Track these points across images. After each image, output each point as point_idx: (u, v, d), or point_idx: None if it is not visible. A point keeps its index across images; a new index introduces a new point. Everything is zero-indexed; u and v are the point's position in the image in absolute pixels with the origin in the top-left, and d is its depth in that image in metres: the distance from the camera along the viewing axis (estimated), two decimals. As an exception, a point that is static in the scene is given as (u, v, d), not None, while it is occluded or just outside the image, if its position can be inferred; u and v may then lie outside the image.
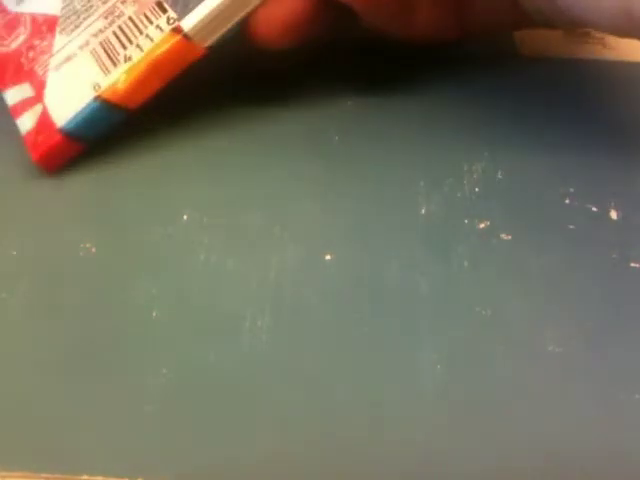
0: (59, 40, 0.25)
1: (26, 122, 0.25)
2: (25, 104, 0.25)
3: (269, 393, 0.20)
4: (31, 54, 0.26)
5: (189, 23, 0.23)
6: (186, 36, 0.23)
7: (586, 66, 0.29)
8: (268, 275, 0.22)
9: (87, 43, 0.25)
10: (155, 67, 0.24)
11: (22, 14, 0.27)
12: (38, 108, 0.24)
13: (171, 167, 0.25)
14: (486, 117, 0.27)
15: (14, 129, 0.25)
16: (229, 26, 0.24)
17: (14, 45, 0.26)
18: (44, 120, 0.24)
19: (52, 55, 0.25)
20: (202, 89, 0.27)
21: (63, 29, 0.26)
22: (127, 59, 0.24)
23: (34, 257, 0.23)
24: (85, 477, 0.18)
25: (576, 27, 0.29)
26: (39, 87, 0.25)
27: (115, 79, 0.24)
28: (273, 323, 0.21)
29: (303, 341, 0.21)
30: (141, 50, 0.24)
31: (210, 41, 0.24)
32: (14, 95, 0.25)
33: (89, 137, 0.24)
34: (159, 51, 0.24)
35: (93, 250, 0.23)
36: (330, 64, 0.28)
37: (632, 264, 0.23)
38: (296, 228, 0.23)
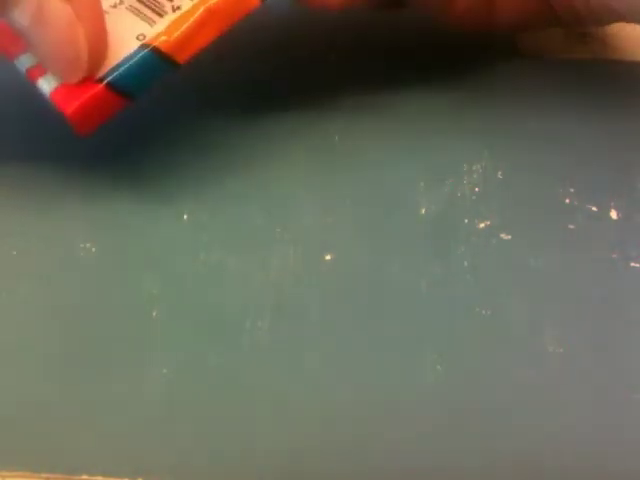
0: None
1: (51, 80, 0.22)
2: None
3: (269, 393, 0.20)
4: None
5: None
6: None
7: (586, 66, 0.29)
8: (268, 275, 0.22)
9: (121, 2, 0.23)
10: (210, 15, 0.22)
11: None
12: None
13: (171, 167, 0.25)
14: (486, 117, 0.27)
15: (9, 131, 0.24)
16: None
17: None
18: None
19: None
20: (201, 88, 0.27)
21: None
22: (175, 9, 0.22)
23: (34, 257, 0.23)
24: (85, 477, 0.18)
25: (606, 23, 0.29)
26: None
27: (164, 28, 0.22)
28: (273, 323, 0.21)
29: (303, 341, 0.21)
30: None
31: None
32: (30, 58, 0.23)
33: (133, 90, 0.22)
34: None
35: (93, 250, 0.23)
36: (331, 64, 0.28)
37: (632, 264, 0.23)
38: (296, 228, 0.23)
